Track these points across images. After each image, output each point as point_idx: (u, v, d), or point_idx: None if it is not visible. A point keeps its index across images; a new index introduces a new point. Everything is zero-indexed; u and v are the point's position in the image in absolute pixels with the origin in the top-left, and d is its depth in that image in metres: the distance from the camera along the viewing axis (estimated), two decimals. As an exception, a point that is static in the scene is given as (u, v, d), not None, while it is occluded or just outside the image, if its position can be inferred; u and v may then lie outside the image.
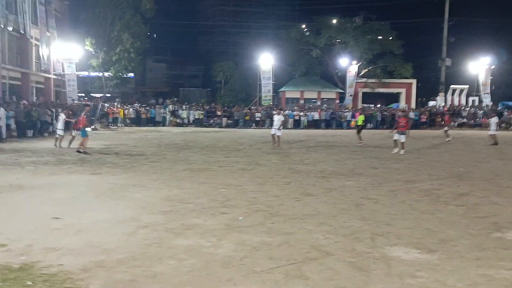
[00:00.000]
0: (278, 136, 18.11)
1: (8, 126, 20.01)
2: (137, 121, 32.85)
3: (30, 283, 4.35)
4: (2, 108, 19.50)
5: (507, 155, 16.41)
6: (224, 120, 33.73)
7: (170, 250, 5.39)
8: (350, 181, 10.36)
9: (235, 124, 33.38)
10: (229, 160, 14.09)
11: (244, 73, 45.68)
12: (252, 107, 36.75)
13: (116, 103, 35.20)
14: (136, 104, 35.80)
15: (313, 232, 6.21)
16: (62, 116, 17.41)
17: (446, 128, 23.06)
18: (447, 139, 21.77)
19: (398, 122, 17.02)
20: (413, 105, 40.85)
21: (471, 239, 5.99)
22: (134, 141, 20.20)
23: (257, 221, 6.75)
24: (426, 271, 4.81)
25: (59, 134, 17.10)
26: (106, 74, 34.59)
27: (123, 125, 31.67)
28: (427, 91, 44.41)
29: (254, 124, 33.40)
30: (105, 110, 31.77)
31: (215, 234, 6.04)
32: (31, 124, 21.66)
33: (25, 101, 24.19)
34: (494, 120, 21.04)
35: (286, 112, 31.97)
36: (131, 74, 41.14)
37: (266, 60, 38.75)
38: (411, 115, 33.86)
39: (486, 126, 21.31)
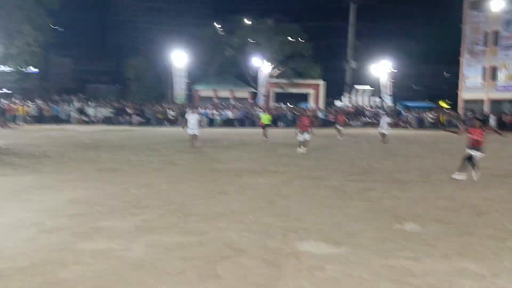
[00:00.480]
0: (195, 135, 17.88)
1: None
2: (39, 119, 30.76)
3: None
4: None
5: (406, 152, 17.67)
6: (136, 118, 32.70)
7: (75, 255, 5.10)
8: (263, 179, 10.54)
9: (147, 123, 32.52)
10: (142, 159, 13.69)
11: (157, 70, 44.71)
12: (165, 105, 36.09)
13: (14, 99, 32.69)
14: (38, 101, 33.50)
15: (227, 230, 6.22)
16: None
17: (338, 127, 24.01)
18: (340, 137, 22.81)
19: (301, 122, 17.12)
20: (321, 105, 42.63)
21: (374, 231, 6.35)
22: (37, 140, 18.90)
23: (170, 221, 6.62)
24: (334, 264, 5.02)
25: None
26: (5, 68, 31.93)
27: (23, 122, 29.50)
28: (335, 92, 46.62)
29: (167, 122, 32.79)
30: (3, 106, 29.43)
31: (125, 236, 5.82)
32: None
33: None
34: (385, 119, 22.25)
35: (201, 110, 31.78)
36: (35, 69, 38.50)
37: (179, 58, 38.31)
38: (319, 114, 35.37)
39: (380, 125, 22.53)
